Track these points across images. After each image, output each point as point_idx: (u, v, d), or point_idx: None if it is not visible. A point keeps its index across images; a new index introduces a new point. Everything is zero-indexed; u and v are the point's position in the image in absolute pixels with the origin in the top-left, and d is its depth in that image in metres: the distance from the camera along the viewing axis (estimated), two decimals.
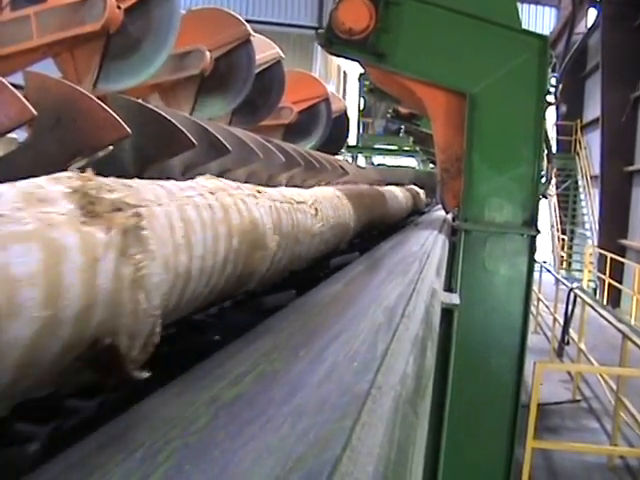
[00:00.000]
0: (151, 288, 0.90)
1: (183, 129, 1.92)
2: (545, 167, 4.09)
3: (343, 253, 2.81)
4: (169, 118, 1.94)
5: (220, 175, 2.56)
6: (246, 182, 2.98)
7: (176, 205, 1.11)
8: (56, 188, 0.82)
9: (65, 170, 1.57)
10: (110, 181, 0.93)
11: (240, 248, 1.35)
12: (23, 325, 0.68)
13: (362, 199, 3.35)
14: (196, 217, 1.16)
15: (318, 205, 2.01)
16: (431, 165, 14.40)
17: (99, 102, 1.70)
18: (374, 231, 3.98)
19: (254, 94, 6.20)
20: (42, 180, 0.83)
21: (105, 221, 0.83)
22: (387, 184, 6.28)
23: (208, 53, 4.86)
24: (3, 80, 1.64)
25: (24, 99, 1.62)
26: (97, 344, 0.82)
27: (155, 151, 1.90)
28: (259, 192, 1.62)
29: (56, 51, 3.71)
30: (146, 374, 0.89)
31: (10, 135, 2.24)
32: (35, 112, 1.58)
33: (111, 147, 1.94)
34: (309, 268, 2.11)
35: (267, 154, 2.98)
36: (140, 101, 2.13)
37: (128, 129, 1.68)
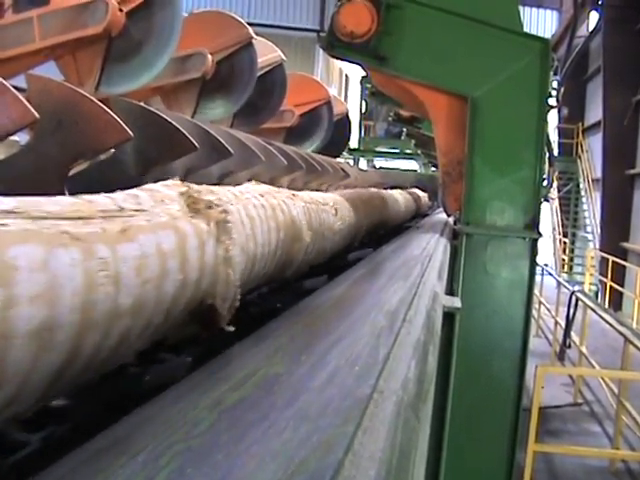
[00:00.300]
0: (235, 266, 1.23)
1: (185, 132, 1.92)
2: (547, 170, 4.10)
3: (357, 249, 3.11)
4: (171, 121, 1.94)
5: (222, 178, 2.57)
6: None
7: (242, 205, 1.46)
8: (170, 192, 1.15)
9: (67, 172, 1.56)
10: (202, 187, 1.27)
11: (285, 240, 1.70)
12: (170, 285, 1.00)
13: (372, 201, 3.59)
14: (255, 214, 1.50)
15: (337, 206, 2.31)
16: (433, 168, 14.40)
17: (101, 105, 1.70)
18: (381, 231, 4.09)
19: (256, 97, 6.20)
20: (157, 186, 1.15)
21: (204, 216, 1.16)
22: (390, 187, 6.28)
23: (210, 56, 4.86)
24: (5, 83, 1.64)
25: (26, 102, 1.62)
26: (202, 304, 1.16)
27: (157, 154, 1.90)
28: (294, 195, 1.96)
29: (58, 54, 3.70)
30: (231, 328, 1.21)
31: (12, 138, 2.24)
32: (37, 115, 1.58)
33: (113, 150, 1.94)
34: (331, 260, 2.40)
35: (269, 157, 2.99)
36: (142, 104, 2.13)
37: (130, 132, 1.68)
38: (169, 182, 1.19)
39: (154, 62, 3.88)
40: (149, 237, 0.96)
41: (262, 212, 1.56)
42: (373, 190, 4.33)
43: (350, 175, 5.14)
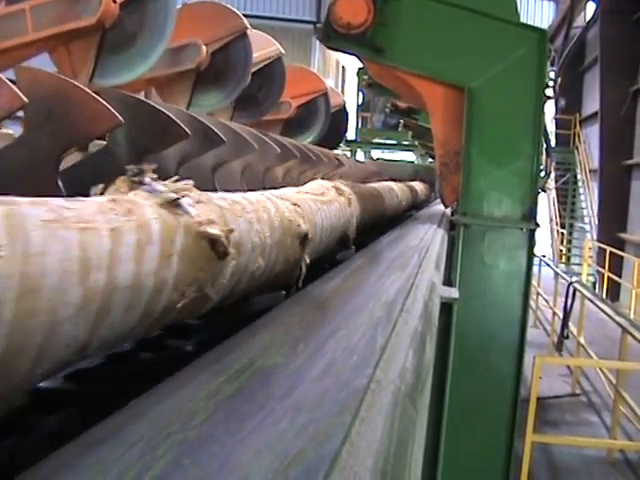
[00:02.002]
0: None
1: (176, 119, 1.92)
2: (544, 161, 4.09)
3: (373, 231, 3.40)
4: (161, 109, 1.93)
5: (216, 167, 2.57)
6: (242, 173, 3.02)
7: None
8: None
9: (59, 163, 1.55)
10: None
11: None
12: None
13: (374, 192, 3.77)
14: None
15: (351, 197, 2.49)
16: (430, 159, 14.39)
17: (91, 93, 1.69)
18: (385, 219, 4.17)
19: (256, 90, 6.21)
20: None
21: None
22: (390, 178, 6.30)
23: (204, 47, 4.84)
24: None
25: (14, 87, 1.61)
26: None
27: (149, 142, 1.90)
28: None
29: (51, 46, 3.67)
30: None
31: (6, 131, 2.23)
32: (26, 99, 1.58)
33: (105, 139, 1.94)
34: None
35: (262, 146, 2.98)
36: (132, 94, 2.13)
37: (120, 118, 1.68)
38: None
39: (148, 53, 3.85)
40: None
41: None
42: (381, 184, 4.52)
43: (345, 164, 5.18)
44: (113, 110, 1.67)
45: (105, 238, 0.81)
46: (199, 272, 1.04)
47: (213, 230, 1.06)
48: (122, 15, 3.65)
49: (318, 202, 1.94)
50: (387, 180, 5.75)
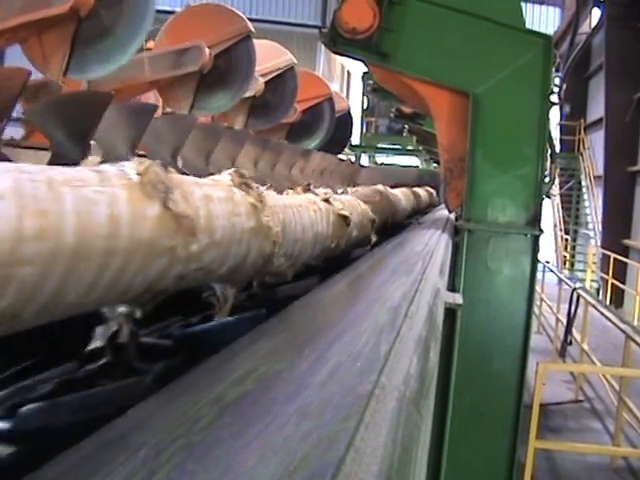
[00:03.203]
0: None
1: None
2: (548, 167, 4.09)
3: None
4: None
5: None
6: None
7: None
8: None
9: None
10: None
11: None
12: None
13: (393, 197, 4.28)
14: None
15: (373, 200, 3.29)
16: (434, 164, 14.39)
17: None
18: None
19: (270, 97, 6.31)
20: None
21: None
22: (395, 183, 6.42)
23: (207, 49, 4.85)
24: None
25: None
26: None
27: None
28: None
29: (22, 36, 3.46)
30: None
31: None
32: None
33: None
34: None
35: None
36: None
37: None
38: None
39: (126, 45, 3.67)
40: None
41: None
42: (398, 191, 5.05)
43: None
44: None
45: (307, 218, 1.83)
46: (339, 231, 2.19)
47: (344, 212, 2.22)
48: (98, 4, 3.47)
49: (370, 203, 3.09)
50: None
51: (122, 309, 1.11)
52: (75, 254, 0.85)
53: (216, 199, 1.24)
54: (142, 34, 3.70)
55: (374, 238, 2.88)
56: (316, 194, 2.07)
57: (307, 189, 2.08)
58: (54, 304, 0.86)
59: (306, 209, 1.85)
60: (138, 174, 1.01)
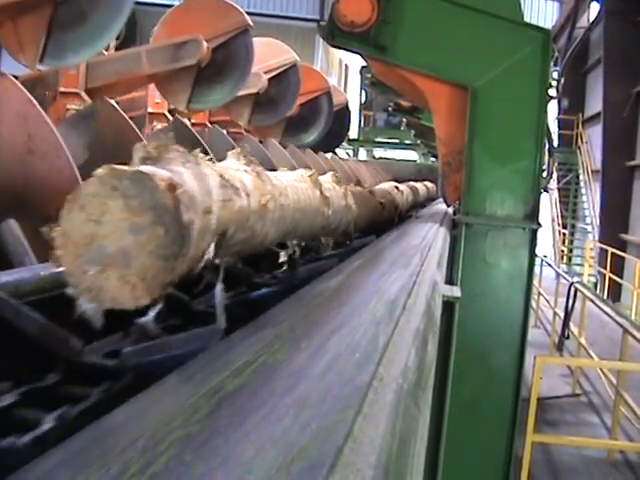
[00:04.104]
0: None
1: None
2: (546, 161, 4.09)
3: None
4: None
5: None
6: None
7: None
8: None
9: None
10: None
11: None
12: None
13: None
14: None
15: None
16: (432, 158, 14.39)
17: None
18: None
19: (273, 94, 6.37)
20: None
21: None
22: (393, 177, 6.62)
23: (205, 43, 4.83)
24: None
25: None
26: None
27: None
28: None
29: None
30: None
31: None
32: None
33: None
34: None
35: None
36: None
37: None
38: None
39: (105, 30, 3.52)
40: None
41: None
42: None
43: None
44: None
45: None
46: (374, 214, 3.43)
47: (382, 200, 3.67)
48: None
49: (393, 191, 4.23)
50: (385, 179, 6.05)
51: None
52: (293, 211, 1.71)
53: (330, 188, 2.31)
54: (121, 18, 3.56)
55: (396, 219, 4.16)
56: (363, 186, 3.71)
57: (357, 184, 3.09)
58: (272, 239, 1.62)
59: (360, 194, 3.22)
60: (309, 175, 2.05)
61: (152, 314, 1.27)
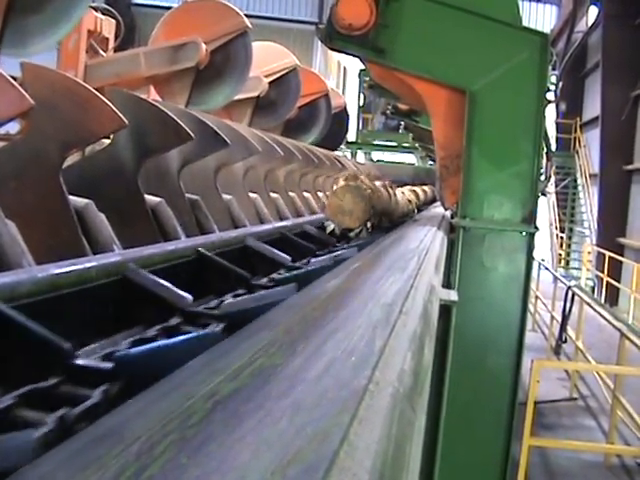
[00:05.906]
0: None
1: (180, 122, 1.91)
2: (544, 165, 4.09)
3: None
4: (167, 111, 1.93)
5: (218, 168, 2.58)
6: (245, 175, 3.19)
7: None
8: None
9: (62, 163, 1.56)
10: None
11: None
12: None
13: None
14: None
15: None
16: (430, 162, 14.39)
17: (96, 93, 1.68)
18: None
19: (273, 97, 6.41)
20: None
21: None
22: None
23: (204, 45, 4.84)
24: (1, 71, 1.63)
25: (21, 89, 1.60)
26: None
27: (153, 144, 1.89)
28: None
29: None
30: None
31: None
32: (32, 102, 1.56)
33: (108, 139, 1.93)
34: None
35: (266, 148, 2.99)
36: (136, 94, 2.12)
37: (125, 120, 1.67)
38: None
39: (67, 15, 3.27)
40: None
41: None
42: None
43: (347, 166, 5.72)
44: (118, 112, 1.65)
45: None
46: (408, 205, 4.87)
47: (409, 197, 5.13)
48: None
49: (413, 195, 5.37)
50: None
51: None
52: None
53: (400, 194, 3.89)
54: (84, 2, 3.36)
55: (416, 211, 5.14)
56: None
57: (390, 186, 4.08)
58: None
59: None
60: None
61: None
